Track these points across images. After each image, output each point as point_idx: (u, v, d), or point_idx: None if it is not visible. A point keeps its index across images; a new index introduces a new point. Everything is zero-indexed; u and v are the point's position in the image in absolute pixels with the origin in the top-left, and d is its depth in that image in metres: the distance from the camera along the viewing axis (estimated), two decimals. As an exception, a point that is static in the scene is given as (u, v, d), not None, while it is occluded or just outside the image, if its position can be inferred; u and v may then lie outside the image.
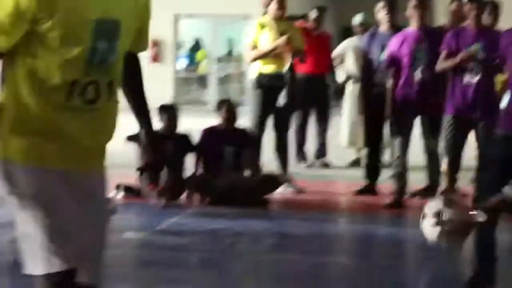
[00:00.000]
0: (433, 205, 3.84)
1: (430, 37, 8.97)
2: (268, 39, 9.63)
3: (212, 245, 7.59)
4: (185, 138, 9.48)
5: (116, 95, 3.40)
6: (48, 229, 3.15)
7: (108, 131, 3.41)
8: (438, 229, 3.74)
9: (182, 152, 9.32)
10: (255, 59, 9.75)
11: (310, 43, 10.90)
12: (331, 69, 12.09)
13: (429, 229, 3.86)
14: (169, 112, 9.49)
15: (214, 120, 9.81)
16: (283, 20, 9.81)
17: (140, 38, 3.54)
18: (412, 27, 9.16)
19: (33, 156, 3.18)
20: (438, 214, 3.81)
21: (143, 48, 3.65)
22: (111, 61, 3.26)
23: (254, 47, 9.64)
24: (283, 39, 9.33)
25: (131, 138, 8.58)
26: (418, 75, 8.92)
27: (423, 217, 3.87)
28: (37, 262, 3.15)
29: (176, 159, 9.12)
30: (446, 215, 3.80)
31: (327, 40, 12.37)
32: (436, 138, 9.06)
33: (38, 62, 3.16)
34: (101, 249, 3.38)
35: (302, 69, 11.16)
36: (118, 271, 5.37)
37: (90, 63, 3.18)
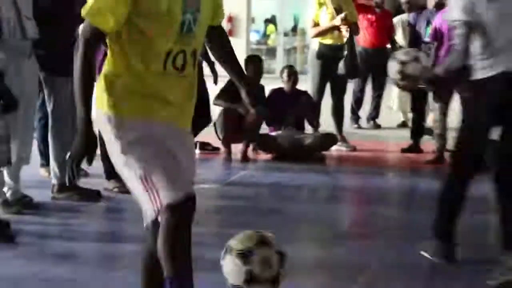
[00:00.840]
0: (404, 53, 3.79)
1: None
2: (326, 15, 9.47)
3: (276, 195, 7.51)
4: (262, 89, 9.33)
5: (197, 63, 3.45)
6: (165, 159, 3.23)
7: (194, 95, 3.49)
8: (398, 75, 3.65)
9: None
10: (316, 36, 9.69)
11: (374, 20, 11.32)
12: (391, 43, 11.77)
13: (392, 70, 3.78)
14: (256, 62, 9.37)
15: (280, 85, 9.71)
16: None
17: (217, 10, 3.55)
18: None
19: (142, 112, 3.27)
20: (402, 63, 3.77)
21: (222, 18, 3.66)
22: (195, 32, 3.32)
23: (316, 23, 9.52)
24: (338, 19, 9.13)
25: None
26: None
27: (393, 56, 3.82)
28: (155, 193, 3.11)
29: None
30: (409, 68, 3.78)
31: (389, 17, 12.06)
32: None
33: (143, 37, 3.23)
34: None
35: (366, 43, 11.42)
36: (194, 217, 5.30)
37: (180, 34, 3.26)
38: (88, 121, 3.08)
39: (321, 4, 9.50)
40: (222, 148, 9.08)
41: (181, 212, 3.12)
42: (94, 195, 6.73)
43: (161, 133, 3.31)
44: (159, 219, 3.12)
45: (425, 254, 5.42)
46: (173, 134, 3.34)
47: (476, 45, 5.10)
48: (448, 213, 5.35)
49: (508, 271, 4.87)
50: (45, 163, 7.72)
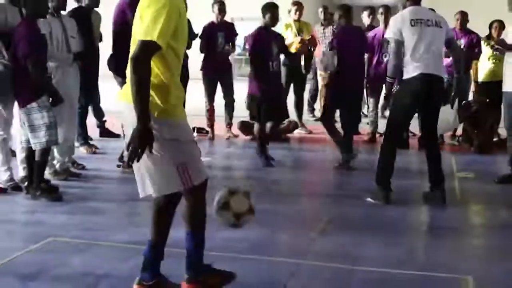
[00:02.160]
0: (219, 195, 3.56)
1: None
2: (291, 33, 9.43)
3: (252, 165, 7.38)
4: None
5: None
6: (196, 154, 3.33)
7: None
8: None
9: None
10: None
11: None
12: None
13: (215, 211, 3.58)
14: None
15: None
16: (299, 21, 9.61)
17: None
18: (381, 26, 8.91)
19: (183, 115, 3.31)
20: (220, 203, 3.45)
21: None
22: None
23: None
24: (297, 39, 8.90)
25: None
26: (385, 58, 8.75)
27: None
28: (193, 177, 3.21)
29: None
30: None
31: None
32: None
33: (174, 54, 3.19)
34: None
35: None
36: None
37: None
38: (148, 121, 3.00)
39: (287, 26, 9.50)
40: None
41: (203, 188, 3.32)
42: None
43: (191, 132, 3.41)
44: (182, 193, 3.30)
45: (370, 200, 5.65)
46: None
47: (405, 56, 5.53)
48: (385, 168, 5.67)
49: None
50: (83, 142, 7.72)
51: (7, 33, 5.43)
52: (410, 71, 5.53)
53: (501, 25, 8.64)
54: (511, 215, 5.54)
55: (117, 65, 6.09)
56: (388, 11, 9.05)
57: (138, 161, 3.02)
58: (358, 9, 10.23)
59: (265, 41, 7.13)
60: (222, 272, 3.49)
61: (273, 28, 7.40)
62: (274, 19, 7.26)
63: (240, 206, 3.47)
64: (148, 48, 3.02)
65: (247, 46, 7.22)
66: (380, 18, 9.01)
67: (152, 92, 3.07)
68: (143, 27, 3.04)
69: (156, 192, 3.25)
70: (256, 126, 7.50)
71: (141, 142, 2.99)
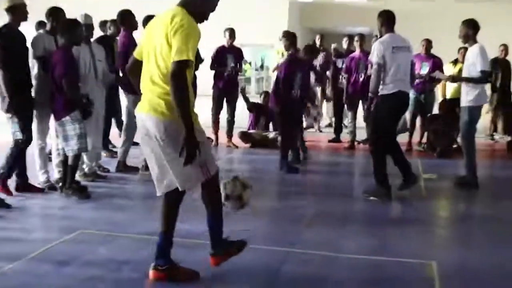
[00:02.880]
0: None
1: (365, 56, 8.77)
2: (283, 58, 9.35)
3: (251, 168, 7.41)
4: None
5: None
6: (210, 150, 3.42)
7: None
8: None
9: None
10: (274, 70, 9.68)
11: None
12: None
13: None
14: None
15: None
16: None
17: None
18: (357, 51, 8.93)
19: (196, 120, 3.21)
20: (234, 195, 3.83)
21: None
22: None
23: (276, 64, 9.45)
24: None
25: None
26: (360, 77, 8.78)
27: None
28: (210, 170, 3.25)
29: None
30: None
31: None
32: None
33: (191, 70, 3.13)
34: None
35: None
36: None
37: None
38: (193, 131, 3.03)
39: (278, 52, 9.51)
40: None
41: (216, 177, 3.36)
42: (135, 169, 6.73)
43: (204, 132, 3.36)
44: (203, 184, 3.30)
45: (370, 198, 5.63)
46: None
47: (385, 76, 5.63)
48: (381, 169, 5.69)
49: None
50: (104, 148, 7.73)
51: (46, 58, 5.49)
52: (390, 88, 5.63)
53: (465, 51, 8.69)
54: (468, 209, 5.57)
55: (127, 84, 6.10)
56: (363, 38, 9.09)
57: (191, 163, 3.06)
58: (340, 37, 10.30)
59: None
60: (237, 242, 3.52)
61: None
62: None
63: (247, 195, 3.85)
64: (185, 66, 3.02)
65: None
66: (356, 44, 9.04)
67: None
68: (175, 49, 3.02)
69: (182, 187, 3.27)
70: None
71: (194, 147, 3.02)
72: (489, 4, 17.17)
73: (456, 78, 7.25)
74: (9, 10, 5.28)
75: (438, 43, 9.22)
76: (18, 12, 5.31)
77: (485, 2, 17.04)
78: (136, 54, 3.42)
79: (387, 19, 5.80)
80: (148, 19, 5.69)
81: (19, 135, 5.34)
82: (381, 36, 5.85)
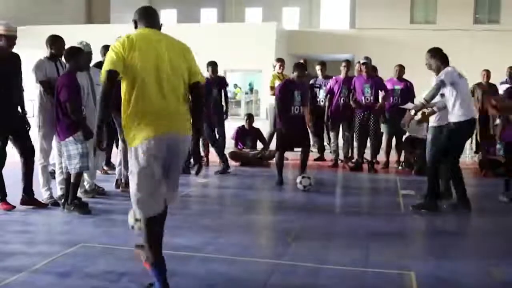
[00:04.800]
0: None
1: (349, 81, 8.84)
2: (279, 82, 9.36)
3: (240, 184, 7.41)
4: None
5: None
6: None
7: None
8: None
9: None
10: (273, 94, 9.37)
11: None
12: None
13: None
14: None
15: (243, 123, 9.67)
16: (283, 73, 9.62)
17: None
18: (342, 75, 9.01)
19: None
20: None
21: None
22: None
23: (272, 87, 9.43)
24: None
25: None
26: (342, 100, 8.83)
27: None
28: None
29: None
30: None
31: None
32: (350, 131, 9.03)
33: None
34: None
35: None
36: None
37: None
38: None
39: (274, 77, 9.54)
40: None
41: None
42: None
43: None
44: None
45: (422, 211, 5.80)
46: None
47: (456, 102, 5.66)
48: (435, 185, 5.89)
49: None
50: (106, 165, 7.69)
51: (48, 82, 5.50)
52: (462, 114, 5.69)
53: None
54: (444, 222, 5.59)
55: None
56: (349, 64, 9.20)
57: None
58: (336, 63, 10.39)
59: (289, 90, 7.21)
60: None
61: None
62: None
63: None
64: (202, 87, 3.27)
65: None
66: (343, 69, 9.06)
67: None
68: (197, 71, 3.23)
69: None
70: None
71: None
72: (463, 33, 17.43)
73: (416, 108, 6.48)
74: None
75: (415, 69, 9.32)
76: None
77: (460, 31, 17.33)
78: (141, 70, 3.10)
79: (441, 55, 5.83)
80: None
81: None
82: (436, 70, 5.84)
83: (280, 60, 9.71)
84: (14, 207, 5.49)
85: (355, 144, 8.87)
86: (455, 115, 5.73)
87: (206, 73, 8.62)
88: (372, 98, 8.38)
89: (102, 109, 3.08)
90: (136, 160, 3.09)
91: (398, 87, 8.75)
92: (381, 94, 8.45)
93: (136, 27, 3.29)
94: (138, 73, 3.07)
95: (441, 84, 5.68)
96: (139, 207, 3.14)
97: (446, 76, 5.68)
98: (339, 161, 9.25)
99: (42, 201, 5.71)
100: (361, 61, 8.60)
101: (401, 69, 8.94)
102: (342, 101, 8.89)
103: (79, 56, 5.49)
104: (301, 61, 10.24)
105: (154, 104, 3.07)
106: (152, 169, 3.10)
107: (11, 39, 5.31)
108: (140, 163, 3.08)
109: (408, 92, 8.75)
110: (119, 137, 6.74)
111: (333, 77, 9.19)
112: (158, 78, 3.10)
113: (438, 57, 5.82)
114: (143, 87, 3.07)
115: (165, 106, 3.09)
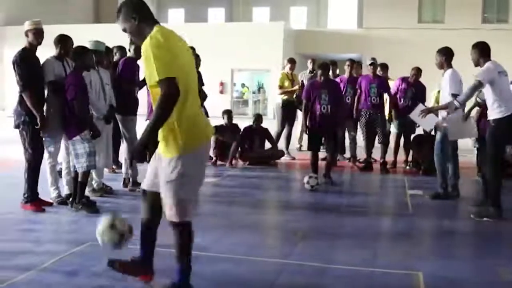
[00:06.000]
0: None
1: (353, 81, 8.82)
2: (288, 81, 9.65)
3: (249, 184, 7.40)
4: (237, 126, 9.28)
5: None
6: None
7: None
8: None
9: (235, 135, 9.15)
10: (281, 93, 9.75)
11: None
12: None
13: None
14: (228, 113, 9.31)
15: (250, 122, 9.60)
16: (292, 73, 9.75)
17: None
18: (346, 74, 9.02)
19: None
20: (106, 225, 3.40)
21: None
22: None
23: (281, 86, 9.66)
24: (296, 87, 9.49)
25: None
26: (347, 100, 8.79)
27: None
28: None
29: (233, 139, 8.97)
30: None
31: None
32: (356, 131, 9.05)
33: None
34: None
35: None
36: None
37: None
38: None
39: (284, 75, 9.68)
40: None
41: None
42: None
43: None
44: None
45: (484, 219, 5.50)
46: None
47: (496, 99, 5.41)
48: (497, 190, 5.52)
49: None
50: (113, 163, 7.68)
51: (56, 81, 5.51)
52: (504, 111, 5.40)
53: (417, 71, 8.68)
54: (451, 222, 5.55)
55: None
56: (353, 64, 9.14)
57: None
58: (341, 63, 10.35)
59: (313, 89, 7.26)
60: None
61: None
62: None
63: (123, 227, 3.39)
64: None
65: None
66: (347, 68, 9.05)
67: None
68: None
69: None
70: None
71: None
72: (471, 33, 17.34)
73: (430, 109, 6.50)
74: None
75: (423, 69, 9.24)
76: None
77: (468, 30, 17.23)
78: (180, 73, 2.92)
79: (483, 49, 5.54)
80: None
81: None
82: (477, 65, 5.59)
83: (291, 61, 9.75)
84: (44, 210, 5.51)
85: (361, 144, 8.81)
86: (494, 112, 5.46)
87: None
88: (378, 98, 8.34)
89: (163, 122, 2.88)
90: (193, 166, 3.06)
91: (374, 84, 8.46)
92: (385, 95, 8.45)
93: (138, 24, 2.99)
94: (184, 77, 2.95)
95: (478, 85, 5.44)
96: (180, 211, 3.10)
97: (484, 75, 5.42)
98: (346, 161, 9.21)
99: (50, 200, 5.72)
100: (368, 62, 8.55)
101: (417, 72, 8.60)
102: (347, 100, 8.84)
103: (86, 55, 5.50)
104: (308, 64, 10.28)
105: (197, 109, 3.08)
106: (201, 175, 3.19)
107: (38, 33, 5.36)
108: (194, 169, 3.07)
109: (421, 95, 8.59)
110: (124, 136, 6.73)
111: (338, 77, 9.16)
112: (194, 83, 3.07)
113: (478, 50, 5.55)
114: (189, 91, 2.98)
115: (196, 110, 3.09)
